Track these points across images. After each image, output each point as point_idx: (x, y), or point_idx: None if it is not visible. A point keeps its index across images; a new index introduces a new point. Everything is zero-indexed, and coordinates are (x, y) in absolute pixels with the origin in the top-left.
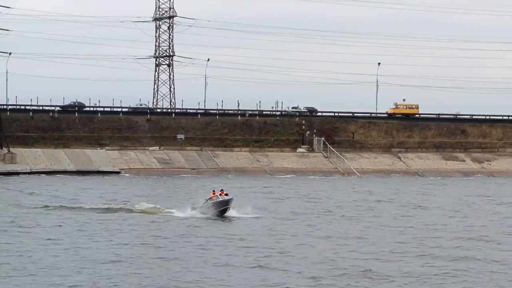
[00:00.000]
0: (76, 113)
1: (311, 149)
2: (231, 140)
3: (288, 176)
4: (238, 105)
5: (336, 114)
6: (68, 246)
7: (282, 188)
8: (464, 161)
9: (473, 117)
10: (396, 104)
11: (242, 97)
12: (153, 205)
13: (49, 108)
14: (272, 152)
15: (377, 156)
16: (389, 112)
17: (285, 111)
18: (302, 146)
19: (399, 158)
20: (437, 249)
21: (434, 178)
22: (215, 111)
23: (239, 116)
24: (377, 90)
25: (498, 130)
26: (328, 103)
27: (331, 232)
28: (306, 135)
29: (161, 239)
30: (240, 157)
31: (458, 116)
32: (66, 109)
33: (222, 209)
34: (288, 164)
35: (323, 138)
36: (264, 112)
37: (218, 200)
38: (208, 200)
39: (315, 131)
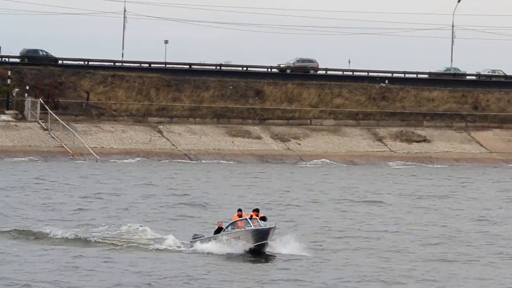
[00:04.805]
0: None
1: (21, 117)
2: None
3: None
4: None
5: (62, 62)
6: None
7: None
8: (260, 138)
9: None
10: None
11: None
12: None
13: None
14: None
15: (126, 128)
16: None
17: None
18: (7, 112)
19: (161, 132)
20: None
21: (211, 162)
22: None
23: None
24: (124, 26)
25: (311, 91)
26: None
27: None
28: (14, 94)
29: None
30: None
31: (249, 69)
32: None
33: (257, 244)
34: None
35: (40, 99)
36: None
37: (250, 228)
38: (230, 227)
39: (27, 88)
